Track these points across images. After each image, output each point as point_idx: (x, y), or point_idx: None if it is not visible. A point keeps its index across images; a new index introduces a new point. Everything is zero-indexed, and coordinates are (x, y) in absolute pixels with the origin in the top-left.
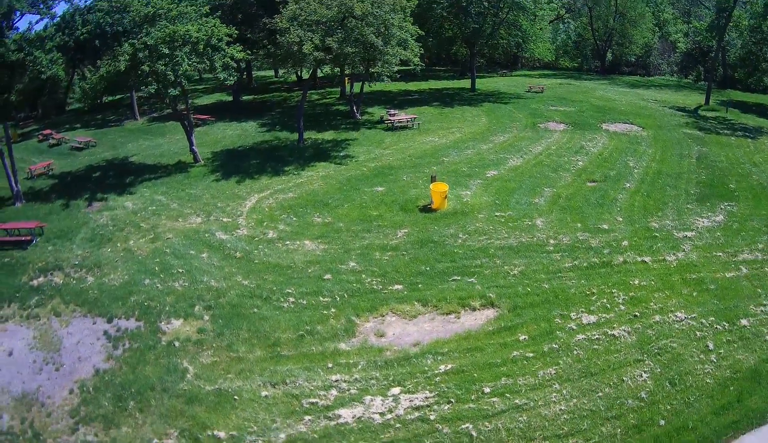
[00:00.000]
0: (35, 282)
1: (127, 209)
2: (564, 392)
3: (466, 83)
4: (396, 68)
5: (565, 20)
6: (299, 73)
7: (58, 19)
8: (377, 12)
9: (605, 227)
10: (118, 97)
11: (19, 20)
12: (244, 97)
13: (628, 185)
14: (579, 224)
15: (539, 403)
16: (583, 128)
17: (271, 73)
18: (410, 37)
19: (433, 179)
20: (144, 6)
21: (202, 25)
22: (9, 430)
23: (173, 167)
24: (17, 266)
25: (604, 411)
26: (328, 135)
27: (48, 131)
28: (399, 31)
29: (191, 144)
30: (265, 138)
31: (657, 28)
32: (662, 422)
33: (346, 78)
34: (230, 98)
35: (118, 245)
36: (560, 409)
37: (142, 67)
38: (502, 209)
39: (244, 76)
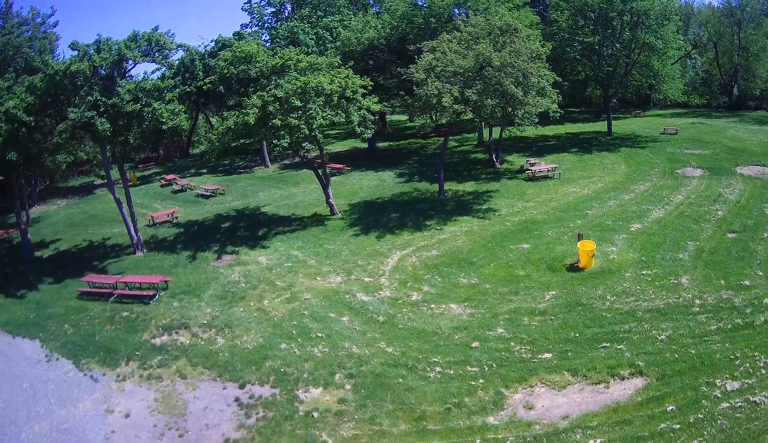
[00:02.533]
0: (158, 341)
1: (260, 264)
2: None
3: (601, 126)
4: (536, 119)
5: (692, 56)
6: (435, 119)
7: (177, 64)
8: (516, 61)
9: (747, 283)
10: (246, 141)
11: (132, 68)
12: (380, 144)
13: (766, 234)
14: (722, 281)
15: None
16: (719, 172)
17: (405, 117)
18: (548, 84)
19: (580, 238)
20: (271, 57)
21: (335, 76)
22: None
23: (309, 220)
24: (138, 322)
25: None
26: (469, 186)
27: (171, 176)
28: (537, 79)
29: (327, 196)
30: (404, 189)
31: None
32: None
33: (483, 123)
34: (365, 145)
35: (252, 304)
36: None
37: (274, 120)
38: (648, 267)
39: (378, 122)
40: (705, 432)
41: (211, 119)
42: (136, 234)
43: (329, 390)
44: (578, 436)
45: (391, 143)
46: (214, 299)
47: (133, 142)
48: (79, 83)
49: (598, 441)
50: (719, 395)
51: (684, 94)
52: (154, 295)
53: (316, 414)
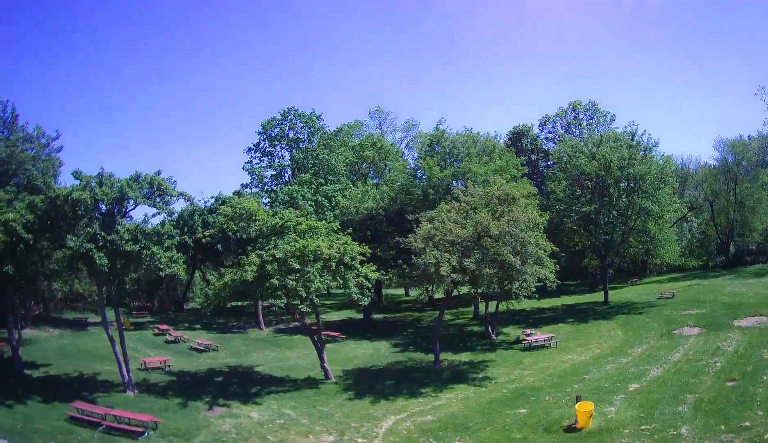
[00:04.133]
0: None
1: (252, 418)
2: None
3: (597, 296)
4: (534, 288)
5: (689, 218)
6: (431, 293)
7: (176, 215)
8: (513, 230)
9: (748, 424)
10: (241, 303)
11: (133, 209)
12: (375, 316)
13: (766, 378)
14: (723, 427)
15: None
16: (717, 328)
17: (401, 291)
18: (545, 254)
19: (578, 399)
20: (271, 217)
21: (334, 241)
22: None
23: (303, 382)
24: None
25: None
26: (465, 356)
27: (165, 327)
28: (535, 249)
29: (322, 360)
30: (399, 359)
31: None
32: None
33: (479, 297)
34: (360, 316)
35: None
36: None
37: (271, 280)
38: (647, 422)
39: (374, 294)
40: None
41: (208, 275)
42: (128, 374)
43: None
44: None
45: (387, 315)
46: None
47: (129, 284)
48: (80, 213)
49: None
50: None
51: (681, 257)
52: (143, 433)
53: None
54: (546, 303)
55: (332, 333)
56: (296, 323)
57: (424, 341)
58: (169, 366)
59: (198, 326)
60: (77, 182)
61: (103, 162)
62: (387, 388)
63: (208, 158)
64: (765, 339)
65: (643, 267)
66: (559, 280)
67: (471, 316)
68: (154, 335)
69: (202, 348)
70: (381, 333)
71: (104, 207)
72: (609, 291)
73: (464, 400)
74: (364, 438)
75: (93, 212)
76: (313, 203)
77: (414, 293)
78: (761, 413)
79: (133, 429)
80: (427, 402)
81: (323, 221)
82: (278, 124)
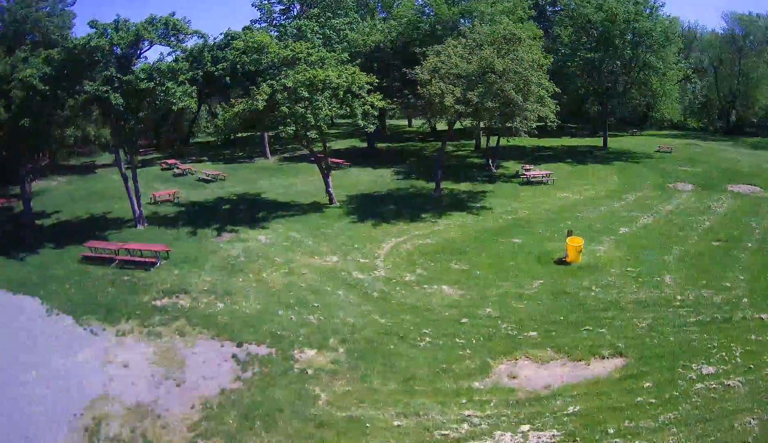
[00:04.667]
0: (159, 303)
1: (260, 242)
2: (680, 435)
3: (597, 141)
4: (534, 126)
5: (692, 80)
6: (434, 125)
7: (186, 53)
8: (517, 69)
9: (728, 284)
10: (247, 134)
11: (147, 49)
12: (379, 145)
13: (750, 244)
14: (704, 282)
15: None
16: (710, 188)
17: (404, 122)
18: (547, 95)
19: (569, 234)
20: (283, 48)
21: (342, 71)
22: (116, 437)
23: (308, 207)
24: (140, 285)
25: None
26: (464, 186)
27: (172, 161)
28: (537, 88)
29: (327, 186)
30: (401, 186)
31: None
32: None
33: (481, 131)
34: (365, 145)
35: (251, 275)
36: None
37: (281, 108)
38: (633, 265)
39: (378, 124)
40: (680, 408)
41: (214, 108)
42: (139, 208)
43: (323, 352)
44: (558, 403)
45: (390, 145)
46: (214, 270)
47: (138, 123)
48: (97, 59)
49: (577, 408)
50: (695, 377)
51: (681, 116)
52: (156, 262)
53: (310, 371)
54: (546, 142)
55: (337, 160)
56: (301, 152)
57: (425, 170)
58: (177, 197)
59: (205, 158)
60: (93, 30)
61: (112, 12)
62: (388, 213)
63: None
64: (755, 207)
65: (643, 119)
66: (560, 121)
67: (472, 149)
68: (162, 170)
69: (209, 178)
70: (384, 161)
71: (120, 51)
72: (609, 138)
73: (462, 227)
74: (366, 258)
75: (109, 57)
76: (321, 36)
77: (417, 123)
78: (742, 277)
79: (146, 260)
80: (426, 226)
81: (333, 53)
82: None
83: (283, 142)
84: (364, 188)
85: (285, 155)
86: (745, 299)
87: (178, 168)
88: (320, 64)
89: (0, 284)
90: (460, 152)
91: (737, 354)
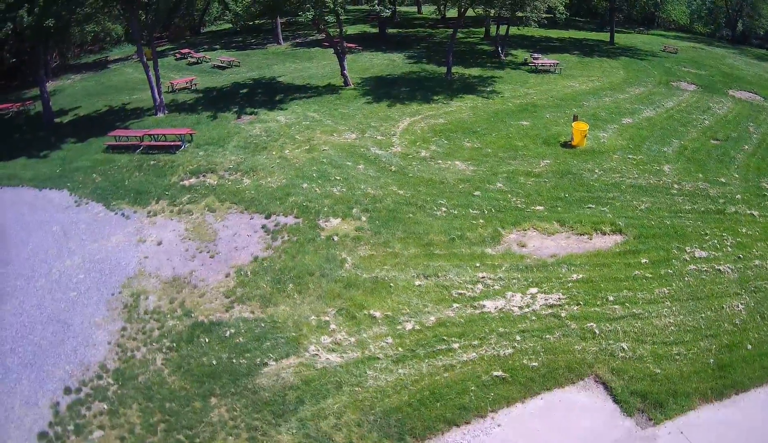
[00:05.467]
0: (186, 182)
1: (279, 122)
2: (673, 309)
3: (604, 36)
4: (543, 15)
5: None
6: (443, 12)
7: None
8: None
9: (723, 180)
10: (258, 22)
11: None
12: (389, 31)
13: (747, 147)
14: (701, 175)
15: (652, 315)
16: (712, 91)
17: (413, 9)
18: None
19: (575, 119)
20: None
21: None
22: (155, 310)
23: (324, 89)
24: (166, 168)
25: (704, 329)
26: (475, 71)
27: (186, 50)
28: None
29: (343, 68)
30: (413, 69)
31: None
32: (749, 346)
33: (491, 19)
34: (375, 30)
35: (274, 153)
36: (669, 322)
37: None
38: (634, 153)
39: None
40: (673, 284)
41: None
42: (159, 97)
43: (347, 221)
44: (563, 270)
45: (400, 30)
46: (237, 149)
47: (161, 9)
48: None
49: (580, 276)
50: (688, 259)
51: (688, 20)
52: (180, 146)
53: (336, 238)
54: (555, 33)
55: (349, 45)
56: (313, 37)
57: (436, 55)
58: (195, 84)
59: (217, 46)
60: None
61: None
62: (402, 94)
63: None
64: (754, 113)
65: (650, 19)
66: (568, 14)
67: (482, 36)
68: (176, 59)
69: (224, 64)
70: (395, 46)
71: None
72: (615, 34)
73: (473, 109)
74: (383, 135)
75: None
76: None
77: (426, 11)
78: (737, 175)
79: (171, 144)
80: (438, 107)
81: None
82: None
83: (294, 27)
84: (377, 71)
85: (297, 40)
86: (738, 196)
87: (192, 57)
88: None
89: (26, 181)
90: (469, 39)
91: (728, 243)
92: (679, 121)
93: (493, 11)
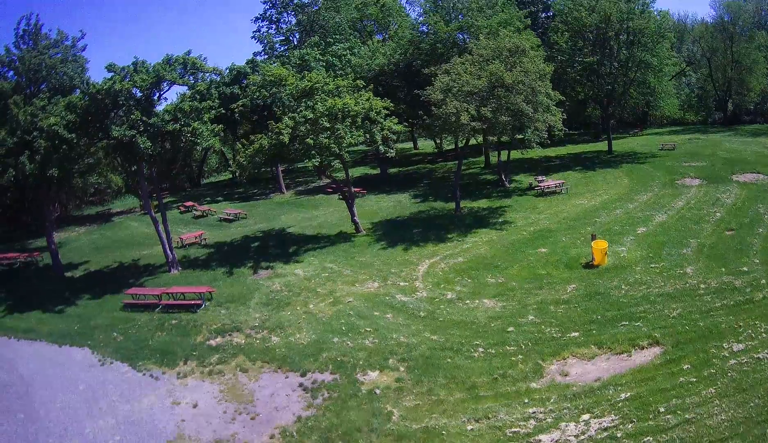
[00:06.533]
0: (213, 342)
1: (298, 276)
2: (723, 405)
3: (602, 146)
4: (546, 135)
5: (687, 73)
6: (440, 146)
7: (192, 91)
8: (525, 80)
9: (745, 269)
10: (259, 171)
11: (167, 91)
12: (390, 170)
13: (761, 230)
14: (723, 269)
15: (704, 416)
16: (716, 181)
17: (410, 145)
18: (552, 103)
19: (593, 238)
20: (300, 80)
21: (359, 98)
22: None
23: (336, 237)
24: (189, 327)
25: (756, 417)
26: (483, 203)
27: (190, 203)
28: (544, 97)
29: (353, 215)
30: (421, 208)
31: None
32: None
33: (491, 146)
34: (377, 171)
35: (298, 308)
36: (721, 419)
37: (306, 140)
38: (655, 261)
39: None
40: (719, 382)
41: (222, 148)
42: (171, 253)
43: (385, 372)
44: (610, 392)
45: (400, 169)
46: (260, 306)
47: (167, 162)
48: (121, 102)
49: (628, 394)
50: (727, 355)
51: (680, 111)
52: (201, 304)
53: (378, 391)
54: (552, 152)
55: (354, 189)
56: (315, 184)
57: (440, 191)
58: (204, 239)
59: (220, 198)
60: (110, 74)
61: (111, 55)
62: (415, 236)
63: (215, 35)
64: (761, 194)
65: (643, 119)
66: (565, 129)
67: (482, 165)
68: (181, 213)
69: (231, 217)
70: (399, 186)
71: (140, 93)
72: (612, 141)
73: (489, 243)
74: (405, 281)
75: (131, 101)
76: (324, 63)
77: (422, 145)
78: (757, 261)
79: (191, 302)
80: (455, 245)
81: (347, 80)
82: None
83: (295, 174)
84: (385, 214)
85: (299, 188)
86: (763, 280)
87: (197, 210)
88: (336, 92)
89: (44, 336)
90: (471, 170)
91: (762, 330)
92: (691, 219)
93: (496, 136)
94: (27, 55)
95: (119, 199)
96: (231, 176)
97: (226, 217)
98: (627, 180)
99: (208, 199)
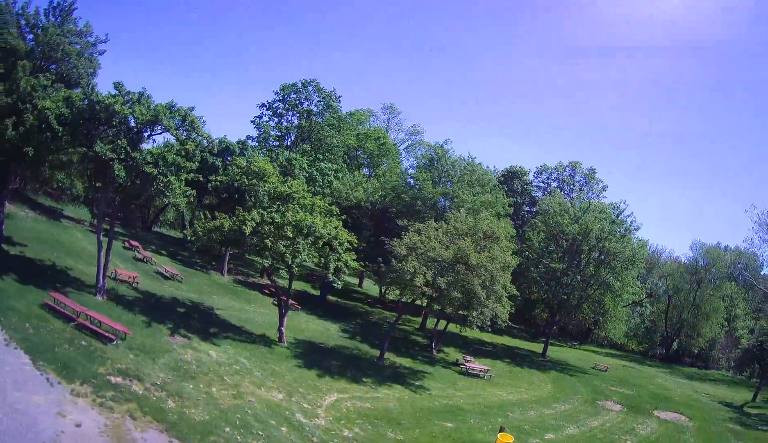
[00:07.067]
0: (113, 379)
1: (211, 357)
2: None
3: (537, 347)
4: (488, 321)
5: (644, 304)
6: (384, 294)
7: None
8: (488, 266)
9: None
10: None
11: (159, 134)
12: (329, 297)
13: None
14: None
15: None
16: (637, 411)
17: (355, 280)
18: (505, 295)
19: (501, 429)
20: (281, 183)
21: (328, 222)
22: None
23: (258, 338)
24: (96, 355)
25: None
26: (406, 362)
27: (135, 243)
28: (500, 288)
29: (281, 324)
30: (346, 344)
31: (726, 322)
32: None
33: (431, 313)
34: (317, 293)
35: (201, 386)
36: None
37: (266, 240)
38: None
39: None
40: None
41: (184, 208)
42: (103, 280)
43: None
44: None
45: (339, 300)
46: (166, 368)
47: (132, 196)
48: (114, 122)
49: None
50: None
51: (624, 337)
52: (114, 339)
53: None
54: (488, 337)
55: (290, 301)
56: (255, 280)
57: (370, 334)
58: (137, 283)
59: (164, 252)
60: (115, 92)
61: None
62: (333, 367)
63: (216, 99)
64: (677, 435)
65: (585, 335)
66: (508, 322)
67: (417, 326)
68: (124, 248)
69: (168, 275)
70: (333, 315)
71: (134, 124)
72: (549, 346)
73: (399, 400)
74: (309, 405)
75: (122, 126)
76: (307, 175)
77: (367, 284)
78: None
79: (104, 333)
80: (367, 390)
81: (324, 201)
82: (297, 91)
83: (240, 262)
84: (311, 335)
85: (239, 277)
86: None
87: (139, 252)
88: (310, 209)
89: None
90: (405, 326)
91: None
92: (601, 440)
93: (439, 307)
94: (51, 30)
95: (74, 204)
96: (183, 236)
97: (164, 273)
98: (551, 386)
99: (153, 248)
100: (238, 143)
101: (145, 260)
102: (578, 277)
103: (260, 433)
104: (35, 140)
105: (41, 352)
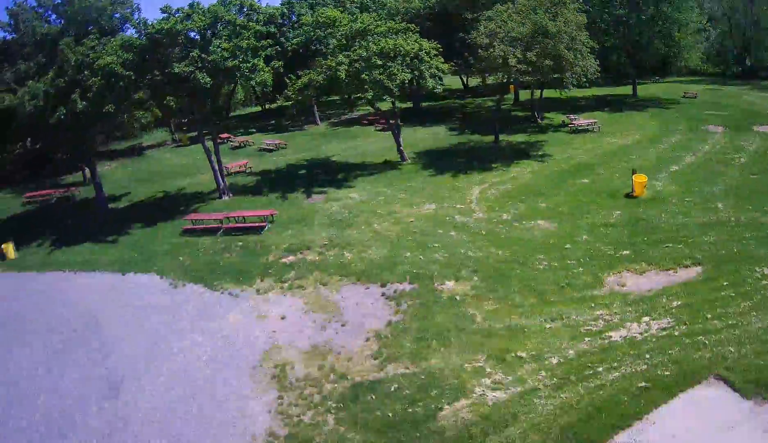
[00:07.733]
0: (287, 260)
1: (354, 199)
2: (759, 316)
3: (624, 90)
4: (584, 78)
5: (707, 28)
6: (467, 81)
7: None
8: (567, 29)
9: None
10: (287, 104)
11: (224, 28)
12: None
13: None
14: (750, 206)
15: (745, 323)
16: (739, 129)
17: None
18: (587, 50)
19: (634, 172)
20: (353, 22)
21: (408, 39)
22: (306, 377)
23: (382, 166)
24: (258, 248)
25: None
26: (519, 138)
27: (225, 135)
28: (582, 45)
29: (398, 144)
30: (460, 140)
31: None
32: None
33: (513, 86)
34: (408, 105)
35: (363, 227)
36: (758, 326)
37: (362, 76)
38: (688, 196)
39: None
40: (754, 297)
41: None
42: (223, 180)
43: (461, 282)
44: (663, 300)
45: (431, 103)
46: (324, 227)
47: (221, 96)
48: (180, 41)
49: (678, 302)
50: (759, 276)
51: (700, 61)
52: (264, 226)
53: (458, 298)
54: (579, 93)
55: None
56: (347, 116)
57: (474, 124)
58: (250, 168)
59: (253, 130)
60: (164, 15)
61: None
62: (460, 165)
63: None
64: None
65: (664, 68)
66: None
67: (512, 102)
68: (219, 143)
69: (272, 147)
70: (433, 119)
71: (196, 34)
72: (637, 86)
73: (532, 173)
74: (460, 204)
75: (189, 40)
76: (358, 4)
77: (447, 82)
78: None
79: (253, 225)
80: (500, 174)
81: (393, 22)
82: None
83: (325, 108)
84: (425, 145)
85: (332, 120)
86: None
87: (233, 140)
88: (388, 34)
89: (102, 267)
90: (502, 106)
91: None
92: (718, 162)
93: (538, 77)
94: (78, 2)
95: (147, 133)
96: (260, 108)
97: (266, 147)
98: (655, 123)
99: (241, 131)
100: (283, 4)
101: (242, 144)
102: (642, 17)
103: (436, 245)
104: (112, 97)
105: (208, 274)
